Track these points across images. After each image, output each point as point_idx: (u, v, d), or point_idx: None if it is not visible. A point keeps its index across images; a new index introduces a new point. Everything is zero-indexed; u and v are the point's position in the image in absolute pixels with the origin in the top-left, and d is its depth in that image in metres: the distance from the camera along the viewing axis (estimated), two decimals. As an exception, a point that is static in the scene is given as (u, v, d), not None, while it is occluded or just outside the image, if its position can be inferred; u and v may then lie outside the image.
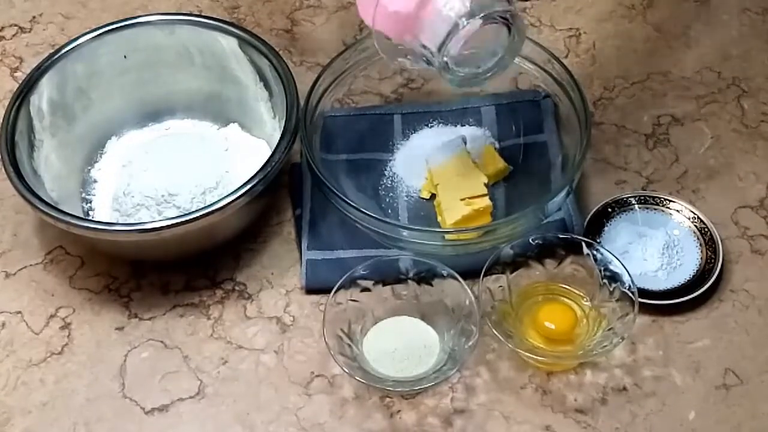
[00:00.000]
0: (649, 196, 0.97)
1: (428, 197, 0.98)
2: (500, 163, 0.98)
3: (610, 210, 0.96)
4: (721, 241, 0.93)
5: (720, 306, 0.91)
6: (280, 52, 0.99)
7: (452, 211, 0.93)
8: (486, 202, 0.94)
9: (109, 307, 0.93)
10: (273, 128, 0.98)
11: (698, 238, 0.94)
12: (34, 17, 1.19)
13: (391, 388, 0.84)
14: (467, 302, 0.85)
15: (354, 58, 1.00)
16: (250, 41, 0.99)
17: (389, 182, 1.00)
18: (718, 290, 0.92)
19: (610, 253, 0.87)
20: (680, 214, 0.96)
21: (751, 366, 0.88)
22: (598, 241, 0.93)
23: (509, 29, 0.81)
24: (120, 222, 0.95)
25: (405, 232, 0.90)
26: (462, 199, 0.94)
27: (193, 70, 1.03)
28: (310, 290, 0.93)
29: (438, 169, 0.97)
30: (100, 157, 1.03)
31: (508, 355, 0.88)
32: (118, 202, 0.96)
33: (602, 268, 0.87)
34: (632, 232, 0.94)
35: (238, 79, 1.02)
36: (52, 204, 0.89)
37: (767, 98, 1.08)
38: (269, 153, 0.91)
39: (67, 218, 0.87)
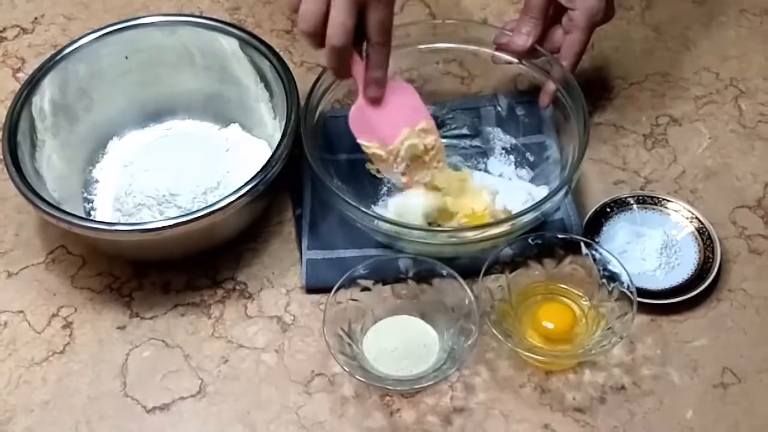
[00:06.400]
0: (648, 196, 0.97)
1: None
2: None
3: (608, 210, 0.96)
4: (719, 240, 0.93)
5: (718, 305, 0.92)
6: (281, 53, 1.00)
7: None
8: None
9: (111, 306, 0.93)
10: (274, 128, 0.99)
11: (696, 238, 0.94)
12: (36, 18, 1.19)
13: (390, 387, 0.85)
14: (467, 301, 0.86)
15: (354, 59, 1.00)
16: (251, 42, 1.00)
17: (389, 182, 1.00)
18: (716, 290, 0.92)
19: (609, 252, 0.88)
20: (678, 214, 0.96)
21: (748, 365, 0.88)
22: (596, 240, 0.93)
23: None
24: (121, 222, 0.95)
25: (405, 232, 0.90)
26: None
27: (194, 71, 1.04)
28: (310, 290, 0.93)
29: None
30: (102, 157, 1.03)
31: (508, 354, 0.88)
32: (120, 202, 0.97)
33: (601, 268, 0.87)
34: (631, 231, 0.95)
35: (238, 79, 1.02)
36: (54, 204, 0.90)
37: (765, 99, 1.08)
38: (270, 153, 0.91)
39: (69, 218, 0.88)
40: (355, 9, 0.83)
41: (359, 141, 0.93)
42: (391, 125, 0.92)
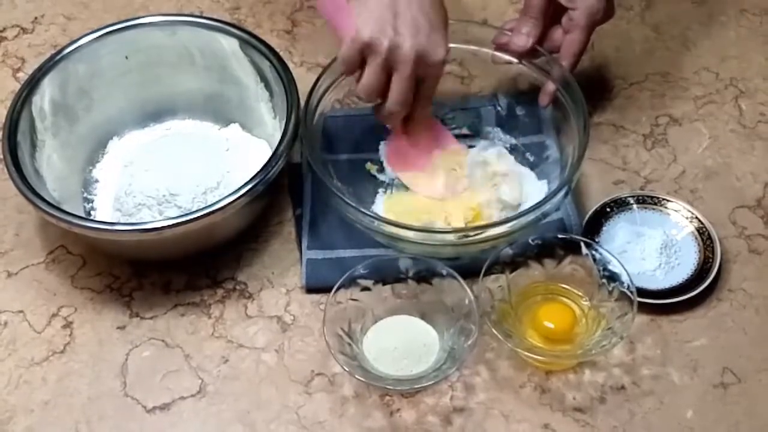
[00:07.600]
0: (648, 196, 0.98)
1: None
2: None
3: (608, 210, 0.97)
4: (719, 240, 0.94)
5: (718, 305, 0.92)
6: (281, 53, 1.00)
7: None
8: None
9: (111, 306, 0.93)
10: (274, 128, 0.99)
11: (696, 238, 0.94)
12: (36, 18, 1.20)
13: (390, 387, 0.85)
14: (467, 301, 0.86)
15: (354, 59, 1.00)
16: (251, 42, 1.00)
17: (389, 182, 1.00)
18: (716, 289, 0.92)
19: (609, 252, 0.88)
20: (678, 214, 0.96)
21: (748, 365, 0.88)
22: (596, 240, 0.93)
23: None
24: (121, 222, 0.95)
25: (404, 232, 0.90)
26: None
27: (194, 71, 1.04)
28: (310, 289, 0.93)
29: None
30: (102, 157, 1.03)
31: (508, 354, 0.88)
32: (120, 201, 0.97)
33: (601, 268, 0.87)
34: (630, 231, 0.95)
35: (238, 79, 1.02)
36: (54, 204, 0.90)
37: (764, 99, 1.08)
38: (270, 153, 0.92)
39: (69, 218, 0.88)
40: (414, 83, 0.89)
41: (398, 175, 0.99)
42: (424, 152, 0.99)
